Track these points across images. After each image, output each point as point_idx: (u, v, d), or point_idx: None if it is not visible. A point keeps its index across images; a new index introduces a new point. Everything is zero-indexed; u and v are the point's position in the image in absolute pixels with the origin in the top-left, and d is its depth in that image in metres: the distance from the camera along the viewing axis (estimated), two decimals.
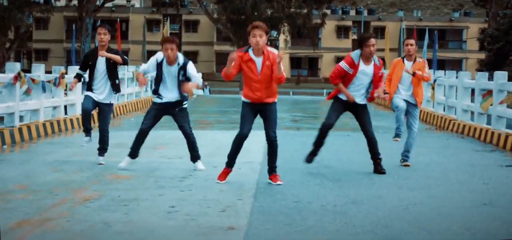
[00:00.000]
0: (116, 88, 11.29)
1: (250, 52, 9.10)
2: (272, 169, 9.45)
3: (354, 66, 10.29)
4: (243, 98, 9.34)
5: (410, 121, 11.44)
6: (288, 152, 12.68)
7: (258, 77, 9.07)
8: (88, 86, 11.27)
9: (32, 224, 6.85)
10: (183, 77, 10.16)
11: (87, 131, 11.35)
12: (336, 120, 10.59)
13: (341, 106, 10.50)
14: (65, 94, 18.21)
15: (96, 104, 11.29)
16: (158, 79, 10.23)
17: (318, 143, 10.63)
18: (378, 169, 10.49)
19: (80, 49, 55.03)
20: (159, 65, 10.20)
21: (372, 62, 10.38)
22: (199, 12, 74.36)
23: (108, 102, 11.29)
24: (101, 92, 11.21)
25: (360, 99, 10.39)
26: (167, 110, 10.38)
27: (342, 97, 10.42)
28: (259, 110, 9.27)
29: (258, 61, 9.06)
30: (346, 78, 10.33)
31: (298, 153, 12.61)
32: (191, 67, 10.24)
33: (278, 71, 8.99)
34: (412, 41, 11.53)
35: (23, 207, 7.55)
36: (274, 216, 7.35)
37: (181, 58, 10.22)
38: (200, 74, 10.66)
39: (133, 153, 10.55)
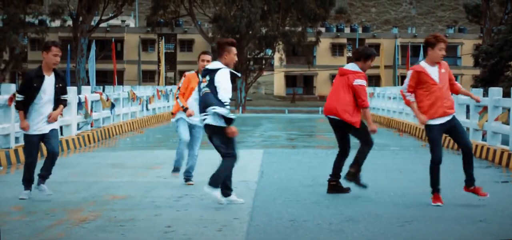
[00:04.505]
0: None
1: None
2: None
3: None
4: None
5: (191, 143, 10.85)
6: (284, 170, 12.68)
7: None
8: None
9: None
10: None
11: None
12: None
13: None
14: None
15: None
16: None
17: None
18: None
19: (75, 69, 55.13)
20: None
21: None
22: (193, 31, 74.49)
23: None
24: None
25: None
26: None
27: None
28: None
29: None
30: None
31: (294, 172, 12.63)
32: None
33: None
34: (208, 57, 10.50)
35: (19, 229, 7.55)
36: (270, 235, 7.35)
37: None
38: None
39: None
